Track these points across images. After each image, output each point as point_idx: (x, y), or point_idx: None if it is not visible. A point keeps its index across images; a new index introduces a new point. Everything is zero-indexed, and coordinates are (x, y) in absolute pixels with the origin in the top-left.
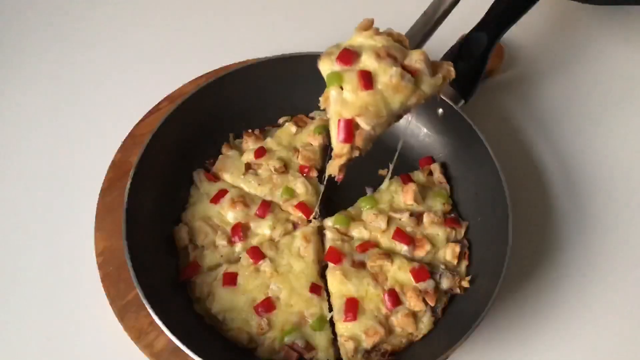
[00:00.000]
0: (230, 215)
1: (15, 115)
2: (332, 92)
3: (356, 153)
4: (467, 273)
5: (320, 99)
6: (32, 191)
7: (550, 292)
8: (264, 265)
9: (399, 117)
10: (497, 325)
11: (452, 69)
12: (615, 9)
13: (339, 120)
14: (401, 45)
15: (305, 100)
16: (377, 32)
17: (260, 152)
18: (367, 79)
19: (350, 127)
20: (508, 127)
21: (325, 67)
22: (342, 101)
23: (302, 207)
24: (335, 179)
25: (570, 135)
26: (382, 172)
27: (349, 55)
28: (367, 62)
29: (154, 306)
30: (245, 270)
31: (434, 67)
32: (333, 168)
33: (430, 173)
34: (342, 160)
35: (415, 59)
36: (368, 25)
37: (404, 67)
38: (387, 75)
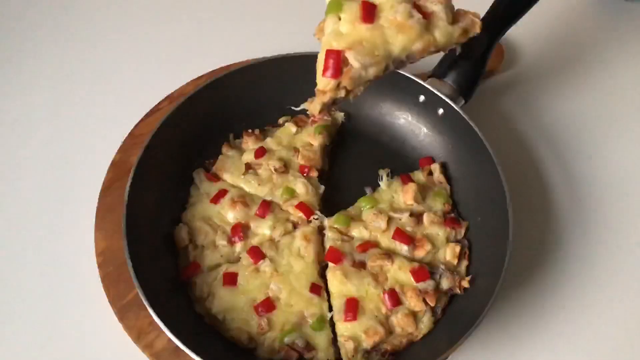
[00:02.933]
0: (230, 215)
1: (15, 115)
2: (328, 21)
3: (342, 93)
4: (467, 273)
5: (315, 28)
6: (32, 191)
7: (550, 292)
8: (264, 265)
9: (400, 63)
10: (497, 325)
11: (478, 21)
12: (619, 8)
13: (327, 51)
14: None
15: (305, 100)
16: None
17: (260, 152)
18: (369, 11)
19: (338, 60)
20: (508, 127)
21: None
22: (336, 31)
23: (302, 207)
24: (309, 117)
25: (570, 135)
26: (382, 171)
27: None
28: None
29: (154, 306)
30: (245, 270)
31: (457, 15)
32: (314, 106)
33: (430, 173)
34: (325, 99)
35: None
36: None
37: (418, 7)
38: (392, 11)
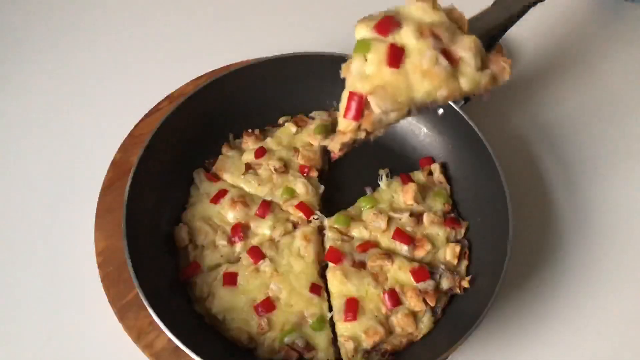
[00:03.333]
0: (230, 215)
1: (15, 115)
2: (354, 60)
3: (362, 135)
4: (467, 273)
5: (343, 66)
6: (32, 191)
7: (550, 292)
8: (264, 265)
9: (423, 108)
10: (497, 325)
11: (508, 67)
12: (619, 8)
13: (350, 93)
14: (457, 28)
15: (305, 100)
16: (435, 5)
17: (260, 152)
18: (395, 55)
19: (361, 103)
20: (508, 127)
21: (360, 33)
22: (361, 73)
23: (302, 207)
24: (331, 156)
25: (570, 135)
26: (382, 171)
27: (388, 24)
28: (405, 36)
29: (154, 306)
30: (245, 270)
31: (487, 60)
32: (334, 145)
33: (430, 173)
34: (345, 139)
35: (463, 45)
36: None
37: (447, 52)
38: (419, 56)
